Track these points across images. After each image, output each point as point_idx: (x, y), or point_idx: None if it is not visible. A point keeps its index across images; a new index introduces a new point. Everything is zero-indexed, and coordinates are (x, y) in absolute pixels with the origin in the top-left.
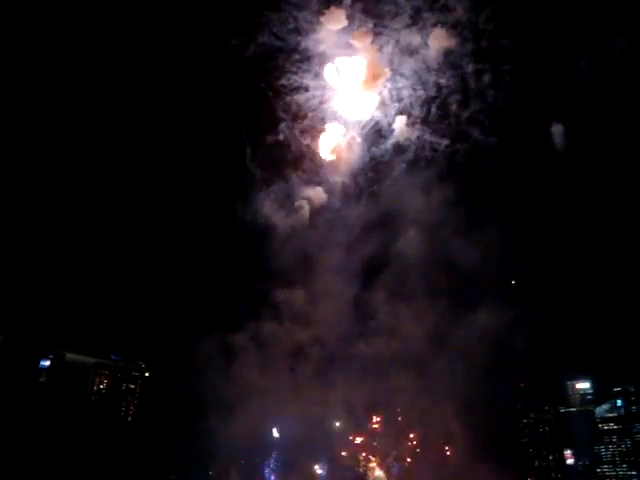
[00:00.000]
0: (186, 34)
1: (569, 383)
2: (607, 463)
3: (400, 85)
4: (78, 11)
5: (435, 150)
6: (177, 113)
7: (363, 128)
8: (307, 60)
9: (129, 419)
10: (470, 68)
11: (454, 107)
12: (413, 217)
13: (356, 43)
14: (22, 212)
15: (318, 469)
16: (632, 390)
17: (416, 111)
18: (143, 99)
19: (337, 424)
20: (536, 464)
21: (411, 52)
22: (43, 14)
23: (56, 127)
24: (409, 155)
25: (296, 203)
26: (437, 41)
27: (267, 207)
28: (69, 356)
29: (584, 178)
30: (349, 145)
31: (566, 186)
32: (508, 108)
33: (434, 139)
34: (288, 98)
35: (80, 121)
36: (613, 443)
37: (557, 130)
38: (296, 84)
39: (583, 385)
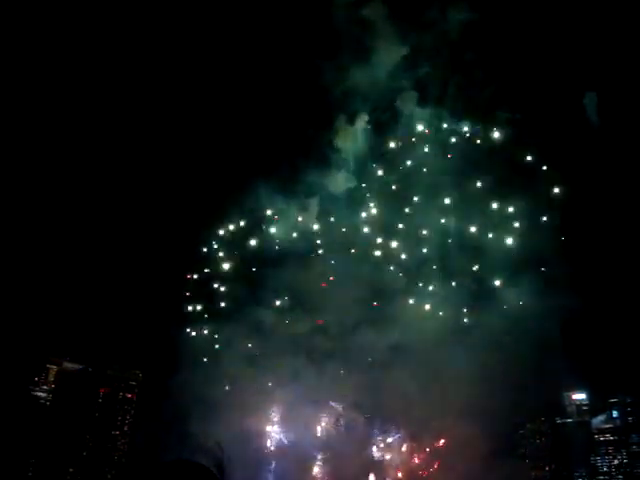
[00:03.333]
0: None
1: (565, 394)
2: (603, 474)
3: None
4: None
5: (453, 132)
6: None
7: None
8: None
9: (126, 428)
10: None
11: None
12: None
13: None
14: (17, 219)
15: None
16: (628, 401)
17: (432, 88)
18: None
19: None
20: (533, 475)
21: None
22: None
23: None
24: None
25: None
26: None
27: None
28: (67, 365)
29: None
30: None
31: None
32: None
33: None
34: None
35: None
36: (609, 454)
37: (590, 101)
38: None
39: (579, 396)
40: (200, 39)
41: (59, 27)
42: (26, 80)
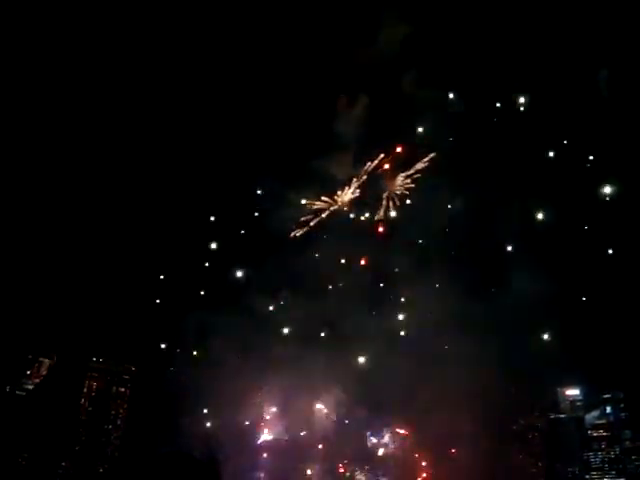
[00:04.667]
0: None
1: (559, 390)
2: (596, 470)
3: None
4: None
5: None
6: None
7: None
8: None
9: (119, 422)
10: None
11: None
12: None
13: None
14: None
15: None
16: (621, 397)
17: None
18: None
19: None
20: (526, 470)
21: None
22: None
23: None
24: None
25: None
26: None
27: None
28: (59, 359)
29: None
30: None
31: None
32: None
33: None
34: None
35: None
36: (602, 450)
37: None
38: None
39: (573, 392)
40: (197, 27)
41: (59, 27)
42: (25, 79)
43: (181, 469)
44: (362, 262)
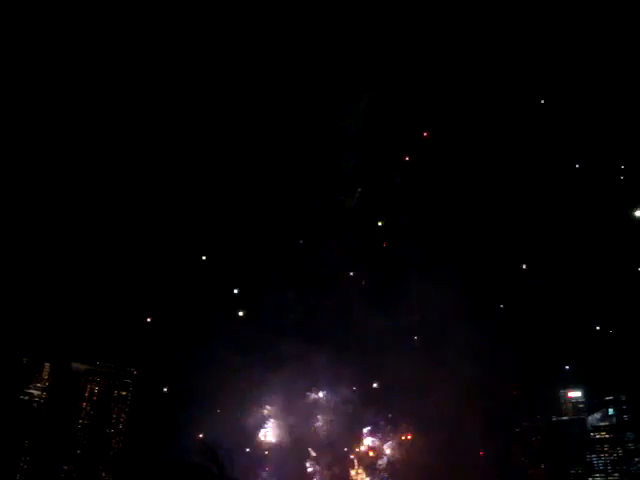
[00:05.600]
0: None
1: (561, 392)
2: (599, 472)
3: None
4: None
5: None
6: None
7: None
8: None
9: (120, 426)
10: None
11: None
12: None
13: None
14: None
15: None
16: (624, 399)
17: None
18: None
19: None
20: (529, 473)
21: None
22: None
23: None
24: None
25: None
26: None
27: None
28: (61, 363)
29: None
30: None
31: None
32: None
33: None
34: None
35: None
36: (605, 452)
37: None
38: None
39: (575, 394)
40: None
41: (59, 26)
42: (26, 80)
43: (183, 472)
44: (368, 261)
